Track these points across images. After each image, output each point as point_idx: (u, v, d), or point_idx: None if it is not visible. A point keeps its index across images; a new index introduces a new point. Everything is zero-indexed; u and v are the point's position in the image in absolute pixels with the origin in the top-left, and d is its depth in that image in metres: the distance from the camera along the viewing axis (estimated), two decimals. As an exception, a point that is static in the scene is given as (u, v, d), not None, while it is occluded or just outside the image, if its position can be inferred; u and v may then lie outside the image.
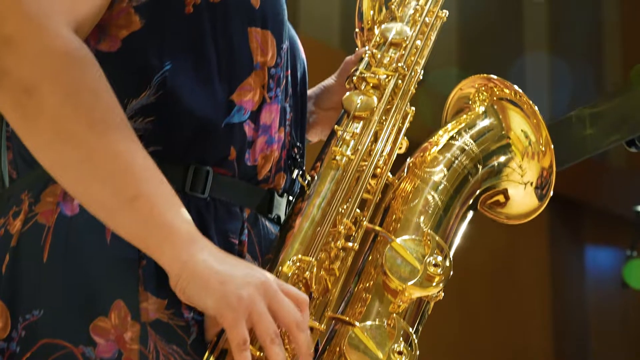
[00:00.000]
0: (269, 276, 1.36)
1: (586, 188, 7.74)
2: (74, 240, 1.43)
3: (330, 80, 1.87)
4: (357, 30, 1.74)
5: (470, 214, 1.67)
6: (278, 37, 1.58)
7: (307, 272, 1.43)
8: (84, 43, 1.39)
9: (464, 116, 1.72)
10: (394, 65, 1.63)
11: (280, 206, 1.59)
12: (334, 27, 6.74)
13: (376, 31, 1.70)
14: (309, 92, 1.83)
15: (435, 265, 1.48)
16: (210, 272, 1.33)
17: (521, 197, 1.70)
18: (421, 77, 1.69)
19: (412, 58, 1.66)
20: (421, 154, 1.65)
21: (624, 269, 6.93)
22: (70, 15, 1.37)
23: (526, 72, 8.33)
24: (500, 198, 1.71)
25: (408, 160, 1.66)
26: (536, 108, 1.70)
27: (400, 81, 1.63)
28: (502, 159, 1.69)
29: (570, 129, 1.94)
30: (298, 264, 1.43)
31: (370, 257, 1.55)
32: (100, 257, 1.42)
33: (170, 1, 1.49)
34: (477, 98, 1.74)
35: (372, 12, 1.73)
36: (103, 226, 1.41)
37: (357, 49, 1.77)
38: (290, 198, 1.62)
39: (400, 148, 1.63)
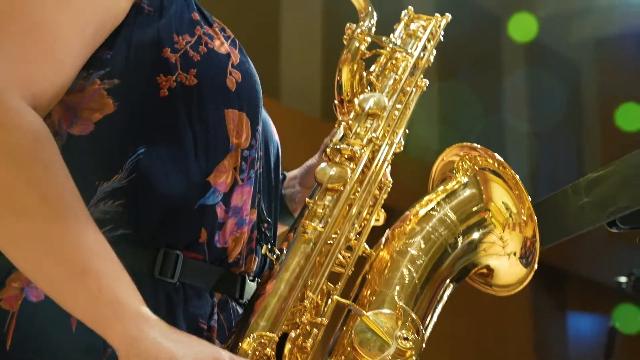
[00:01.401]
0: (223, 353, 1.34)
1: (569, 256, 7.77)
2: (39, 326, 1.41)
3: (312, 160, 1.86)
4: (335, 102, 1.73)
5: (452, 287, 1.65)
6: (253, 119, 1.57)
7: (269, 349, 1.40)
8: (56, 123, 1.41)
9: (446, 186, 1.70)
10: (369, 136, 1.61)
11: (252, 291, 1.56)
12: (316, 98, 6.78)
13: (355, 102, 1.69)
14: (295, 171, 1.84)
15: (406, 339, 1.45)
16: (160, 349, 1.30)
17: (506, 267, 1.67)
18: (402, 148, 1.67)
19: (389, 128, 1.65)
20: (400, 225, 1.63)
21: (613, 314, 6.85)
22: (26, 90, 1.36)
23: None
24: (485, 271, 1.68)
25: (387, 231, 1.63)
26: (518, 178, 1.68)
27: (375, 152, 1.61)
28: (482, 231, 1.66)
29: (565, 209, 1.94)
30: (260, 340, 1.40)
31: (343, 331, 1.52)
32: (65, 345, 1.40)
33: (145, 84, 1.48)
34: (460, 167, 1.72)
35: (351, 84, 1.72)
36: (69, 313, 1.38)
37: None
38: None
39: (377, 220, 1.61)
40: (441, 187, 1.70)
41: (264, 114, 1.68)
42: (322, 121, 6.51)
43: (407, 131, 1.70)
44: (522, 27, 8.45)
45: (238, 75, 1.55)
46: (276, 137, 1.72)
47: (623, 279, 4.25)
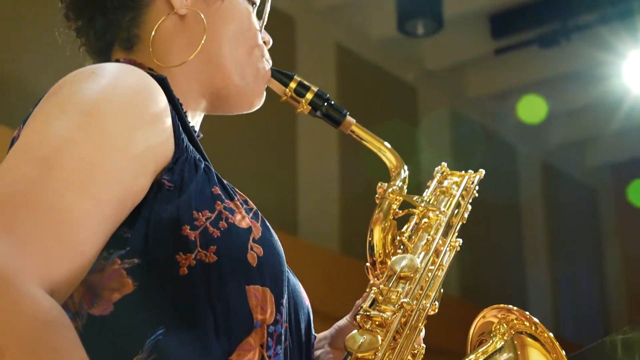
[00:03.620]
0: None
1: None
2: None
3: (343, 321, 1.81)
4: (367, 264, 1.69)
5: None
6: (277, 293, 1.51)
7: None
8: (77, 304, 1.38)
9: (481, 350, 1.65)
10: (401, 301, 1.57)
11: None
12: (334, 231, 6.71)
13: (388, 263, 1.66)
14: (325, 332, 1.79)
15: None
16: None
17: None
18: (436, 310, 1.63)
19: (421, 292, 1.61)
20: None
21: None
22: (44, 276, 1.32)
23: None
24: None
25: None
26: (555, 341, 1.64)
27: (407, 317, 1.57)
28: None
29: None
30: None
31: None
32: None
33: (164, 263, 1.44)
34: (497, 331, 1.67)
35: (383, 244, 1.69)
36: None
37: (369, 282, 1.72)
38: None
39: (411, 387, 1.56)
40: (476, 352, 1.65)
41: (293, 280, 1.64)
42: (341, 255, 6.47)
43: (442, 291, 1.66)
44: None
45: (259, 249, 1.50)
46: (307, 302, 1.67)
47: None
